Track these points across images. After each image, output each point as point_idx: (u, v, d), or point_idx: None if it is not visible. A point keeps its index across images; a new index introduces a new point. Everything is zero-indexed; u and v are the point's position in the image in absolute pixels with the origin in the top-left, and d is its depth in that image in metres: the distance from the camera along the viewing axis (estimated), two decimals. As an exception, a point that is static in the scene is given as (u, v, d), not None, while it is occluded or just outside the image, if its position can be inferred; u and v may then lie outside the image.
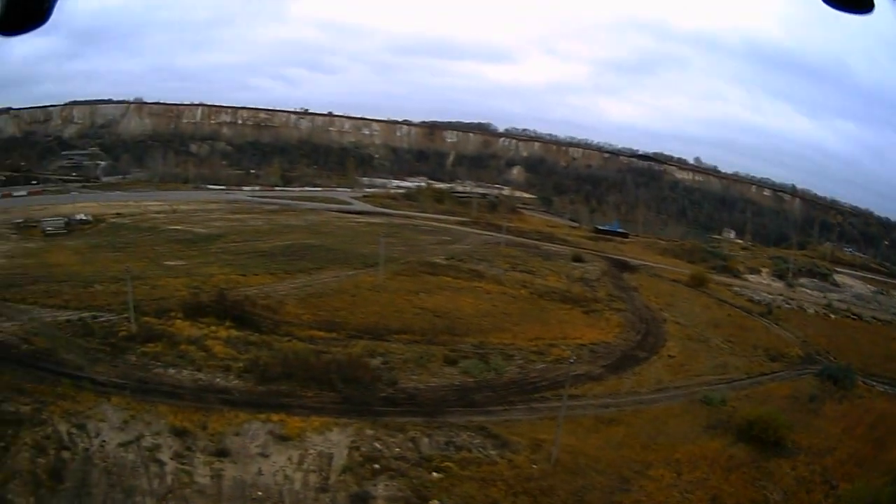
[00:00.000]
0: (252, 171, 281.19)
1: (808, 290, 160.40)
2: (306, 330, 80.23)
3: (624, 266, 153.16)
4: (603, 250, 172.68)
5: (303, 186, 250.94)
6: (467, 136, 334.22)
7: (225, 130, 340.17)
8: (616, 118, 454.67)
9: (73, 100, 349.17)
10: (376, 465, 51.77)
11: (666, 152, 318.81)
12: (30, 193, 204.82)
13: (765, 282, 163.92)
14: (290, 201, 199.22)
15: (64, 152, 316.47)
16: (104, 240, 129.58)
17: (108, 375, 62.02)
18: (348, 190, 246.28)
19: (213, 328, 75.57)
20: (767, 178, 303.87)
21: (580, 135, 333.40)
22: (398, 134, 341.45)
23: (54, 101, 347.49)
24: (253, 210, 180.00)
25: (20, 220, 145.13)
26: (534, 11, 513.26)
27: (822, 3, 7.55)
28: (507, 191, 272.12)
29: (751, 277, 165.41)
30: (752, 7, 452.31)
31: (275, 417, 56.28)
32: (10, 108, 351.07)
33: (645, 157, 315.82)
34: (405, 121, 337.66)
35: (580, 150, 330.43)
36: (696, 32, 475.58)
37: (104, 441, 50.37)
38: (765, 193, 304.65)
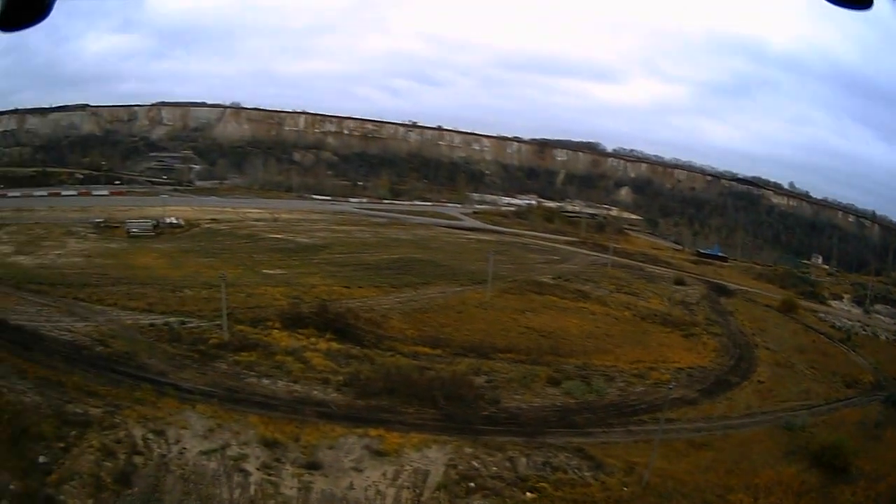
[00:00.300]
0: (360, 183, 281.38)
1: (881, 317, 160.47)
2: (410, 345, 78.68)
3: (722, 290, 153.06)
4: (703, 274, 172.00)
5: (412, 200, 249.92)
6: (576, 155, 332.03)
7: (330, 140, 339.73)
8: (716, 140, 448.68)
9: (161, 100, 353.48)
10: (471, 484, 51.23)
11: (763, 176, 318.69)
12: (112, 193, 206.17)
13: (845, 308, 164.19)
14: (398, 215, 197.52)
15: (152, 153, 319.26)
16: (197, 244, 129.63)
17: (194, 383, 60.99)
18: (458, 205, 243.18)
19: (312, 340, 74.18)
20: (851, 204, 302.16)
21: (684, 156, 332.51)
22: (508, 151, 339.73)
23: (138, 100, 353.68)
24: (360, 222, 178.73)
25: (100, 220, 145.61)
26: (636, 31, 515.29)
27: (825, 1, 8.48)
28: (614, 211, 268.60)
29: (834, 303, 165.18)
30: (831, 31, 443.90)
31: (373, 432, 55.21)
32: (86, 105, 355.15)
33: (744, 180, 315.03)
34: (515, 137, 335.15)
35: (684, 172, 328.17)
36: (785, 55, 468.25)
37: (184, 448, 48.85)
38: (849, 219, 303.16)
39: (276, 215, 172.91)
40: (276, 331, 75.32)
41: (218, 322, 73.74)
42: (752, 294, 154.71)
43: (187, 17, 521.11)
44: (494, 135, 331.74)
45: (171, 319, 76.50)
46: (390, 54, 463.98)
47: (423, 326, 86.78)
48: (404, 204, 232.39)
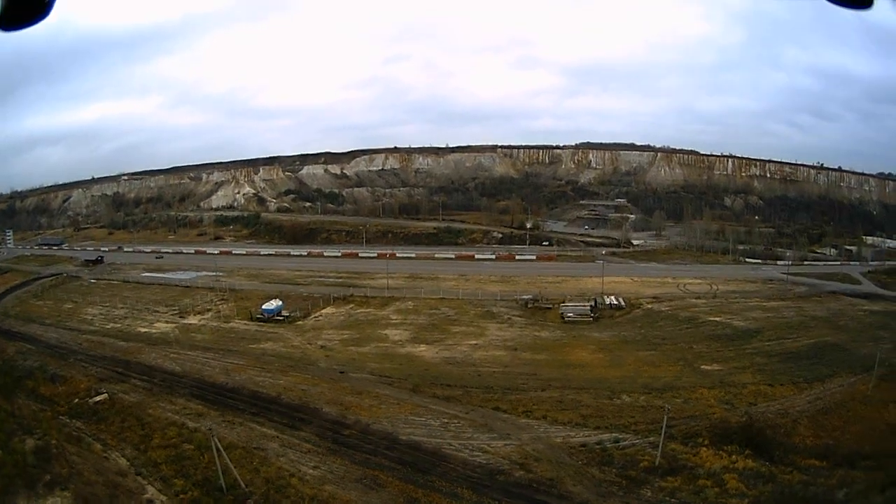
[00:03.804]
0: (784, 232, 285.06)
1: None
2: (805, 458, 71.31)
3: None
4: None
5: (824, 248, 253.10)
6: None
7: (756, 184, 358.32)
8: None
9: (585, 141, 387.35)
10: None
11: None
12: (538, 258, 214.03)
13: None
14: (815, 280, 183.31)
15: (583, 201, 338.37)
16: (638, 332, 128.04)
17: (616, 514, 58.63)
18: (856, 263, 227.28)
19: (733, 458, 69.33)
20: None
21: None
22: (887, 190, 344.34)
23: (557, 138, 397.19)
24: (786, 295, 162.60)
25: (529, 297, 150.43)
26: None
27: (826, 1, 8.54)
28: None
29: None
30: None
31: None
32: (496, 146, 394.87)
33: None
34: (888, 174, 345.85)
35: None
36: None
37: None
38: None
39: (714, 287, 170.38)
40: (703, 448, 71.34)
41: (652, 439, 71.51)
42: None
43: (593, 55, 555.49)
44: (875, 174, 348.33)
45: (605, 436, 74.23)
46: (787, 90, 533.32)
47: (820, 432, 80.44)
48: (819, 264, 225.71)
